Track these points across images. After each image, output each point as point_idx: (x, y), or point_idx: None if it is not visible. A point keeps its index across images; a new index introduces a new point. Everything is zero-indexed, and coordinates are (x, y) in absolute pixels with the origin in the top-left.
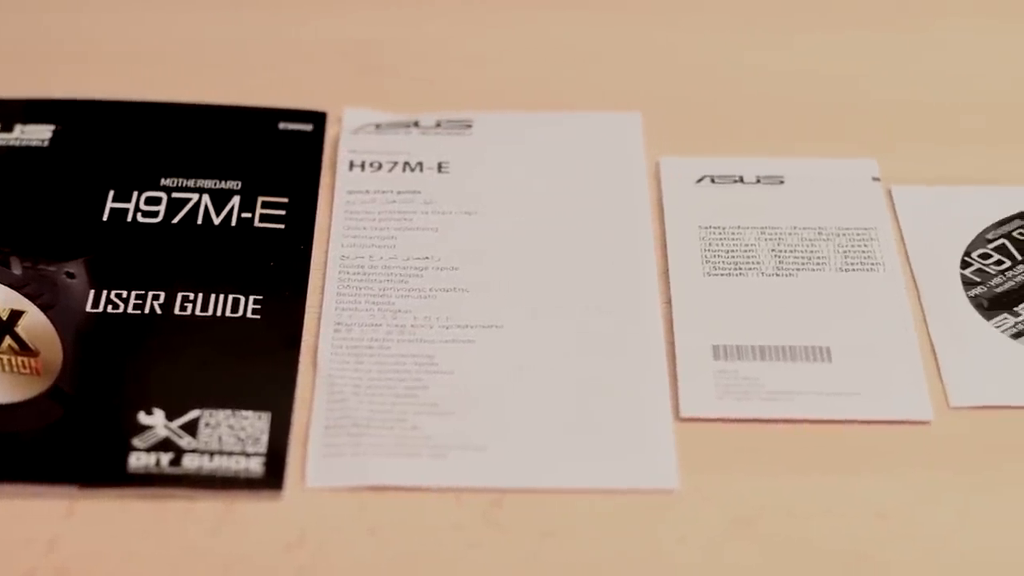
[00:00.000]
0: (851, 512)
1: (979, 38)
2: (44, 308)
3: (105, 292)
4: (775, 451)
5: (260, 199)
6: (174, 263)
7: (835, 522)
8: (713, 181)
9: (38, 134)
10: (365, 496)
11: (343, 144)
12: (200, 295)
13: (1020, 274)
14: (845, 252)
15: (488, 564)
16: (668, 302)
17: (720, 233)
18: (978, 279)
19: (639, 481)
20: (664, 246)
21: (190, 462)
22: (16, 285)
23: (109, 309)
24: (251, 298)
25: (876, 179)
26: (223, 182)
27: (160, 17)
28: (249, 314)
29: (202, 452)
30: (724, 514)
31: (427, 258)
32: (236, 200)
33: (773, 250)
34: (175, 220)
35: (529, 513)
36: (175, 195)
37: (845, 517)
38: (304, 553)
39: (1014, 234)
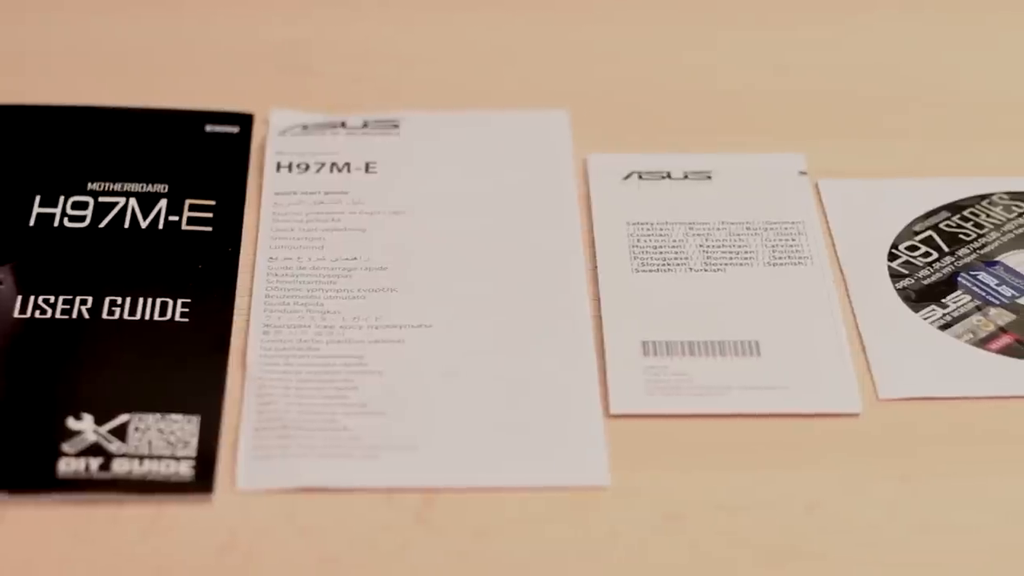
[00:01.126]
0: (781, 505)
1: (903, 30)
2: None
3: (33, 297)
4: (705, 446)
5: (187, 202)
6: (102, 267)
7: (766, 515)
8: (641, 177)
9: None
10: (296, 498)
11: (270, 146)
12: (128, 299)
13: (947, 266)
14: (773, 246)
15: (420, 564)
16: (597, 299)
17: (648, 229)
18: (906, 271)
19: (570, 479)
20: (592, 243)
21: (120, 467)
22: None
23: (37, 315)
24: (179, 301)
25: (803, 173)
26: (150, 185)
27: (84, 21)
28: (178, 317)
29: (132, 456)
30: (655, 510)
31: (355, 259)
32: (163, 203)
33: (701, 245)
34: (102, 224)
35: (460, 512)
36: (102, 199)
37: (776, 510)
38: (235, 556)
39: (941, 226)
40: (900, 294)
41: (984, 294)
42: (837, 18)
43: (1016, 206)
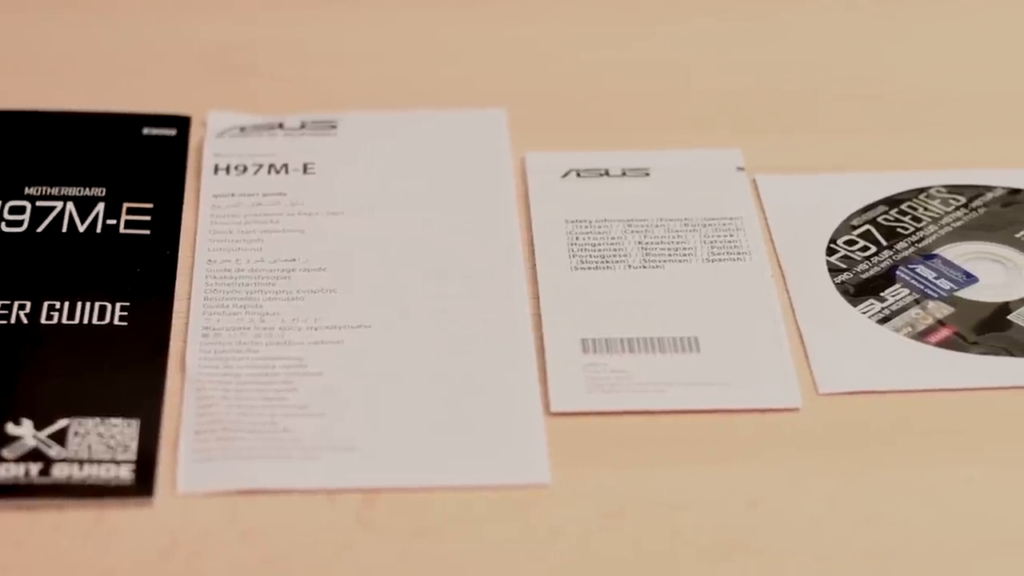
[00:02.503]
0: (723, 501)
1: (838, 25)
2: None
3: None
4: (646, 443)
5: (125, 205)
6: (40, 272)
7: (707, 511)
8: (579, 175)
9: None
10: (237, 500)
11: (207, 148)
12: (66, 303)
13: (885, 260)
14: (711, 242)
15: (362, 564)
16: (536, 297)
17: (587, 227)
18: (844, 266)
19: (511, 477)
20: (531, 241)
21: (59, 472)
22: None
23: None
24: (118, 305)
25: (741, 169)
26: (87, 189)
27: (19, 25)
28: (116, 321)
29: (71, 461)
30: (596, 507)
31: (294, 260)
32: (101, 207)
33: (640, 242)
34: (40, 229)
35: (402, 512)
36: (39, 203)
37: (717, 506)
38: (177, 559)
39: (879, 220)
40: (838, 288)
41: (922, 287)
42: (772, 13)
43: (954, 199)
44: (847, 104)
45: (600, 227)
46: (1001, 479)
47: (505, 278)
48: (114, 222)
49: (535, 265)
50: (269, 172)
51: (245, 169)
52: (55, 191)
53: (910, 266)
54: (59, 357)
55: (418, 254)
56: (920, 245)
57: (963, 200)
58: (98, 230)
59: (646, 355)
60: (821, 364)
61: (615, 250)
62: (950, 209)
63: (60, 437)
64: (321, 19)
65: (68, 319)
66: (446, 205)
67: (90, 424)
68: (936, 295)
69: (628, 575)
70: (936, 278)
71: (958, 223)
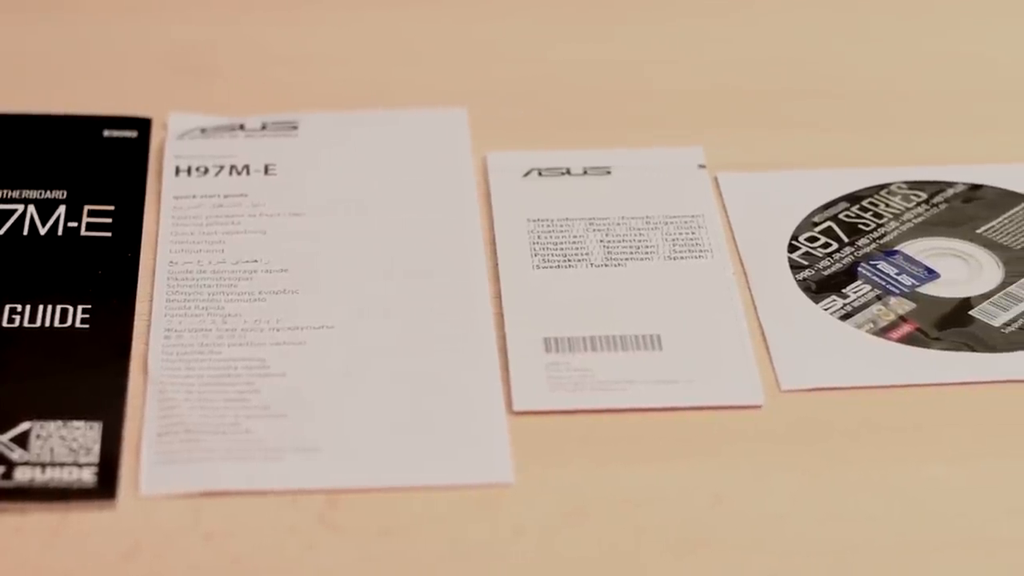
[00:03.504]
0: (686, 498)
1: (798, 22)
2: None
3: None
4: (609, 441)
5: (86, 208)
6: (0, 275)
7: (671, 508)
8: (540, 174)
9: None
10: (200, 502)
11: (169, 149)
12: (28, 306)
13: (847, 256)
14: (673, 240)
15: (325, 565)
16: (498, 296)
17: (548, 226)
18: (806, 262)
19: (474, 476)
20: (493, 241)
21: (22, 475)
22: None
23: None
24: (80, 308)
25: (702, 166)
26: (48, 192)
27: None
28: (78, 324)
29: (34, 464)
30: (560, 505)
31: (256, 261)
32: (62, 210)
33: (601, 241)
34: (0, 232)
35: (365, 513)
36: (0, 207)
37: (681, 503)
38: (140, 561)
39: (840, 217)
40: (800, 285)
41: (884, 283)
42: (732, 11)
43: (915, 195)
44: (808, 101)
45: (562, 226)
46: (963, 474)
47: (467, 277)
48: (75, 225)
49: (497, 264)
50: (230, 173)
51: (206, 170)
52: (16, 194)
53: (872, 262)
54: (21, 360)
55: (380, 254)
56: (882, 241)
57: (924, 196)
58: (59, 233)
59: (608, 353)
60: (783, 361)
61: (577, 249)
62: (911, 205)
63: (22, 440)
64: (281, 19)
65: (30, 322)
66: (407, 205)
67: (52, 427)
68: (898, 291)
69: (592, 573)
70: (898, 274)
71: (919, 219)
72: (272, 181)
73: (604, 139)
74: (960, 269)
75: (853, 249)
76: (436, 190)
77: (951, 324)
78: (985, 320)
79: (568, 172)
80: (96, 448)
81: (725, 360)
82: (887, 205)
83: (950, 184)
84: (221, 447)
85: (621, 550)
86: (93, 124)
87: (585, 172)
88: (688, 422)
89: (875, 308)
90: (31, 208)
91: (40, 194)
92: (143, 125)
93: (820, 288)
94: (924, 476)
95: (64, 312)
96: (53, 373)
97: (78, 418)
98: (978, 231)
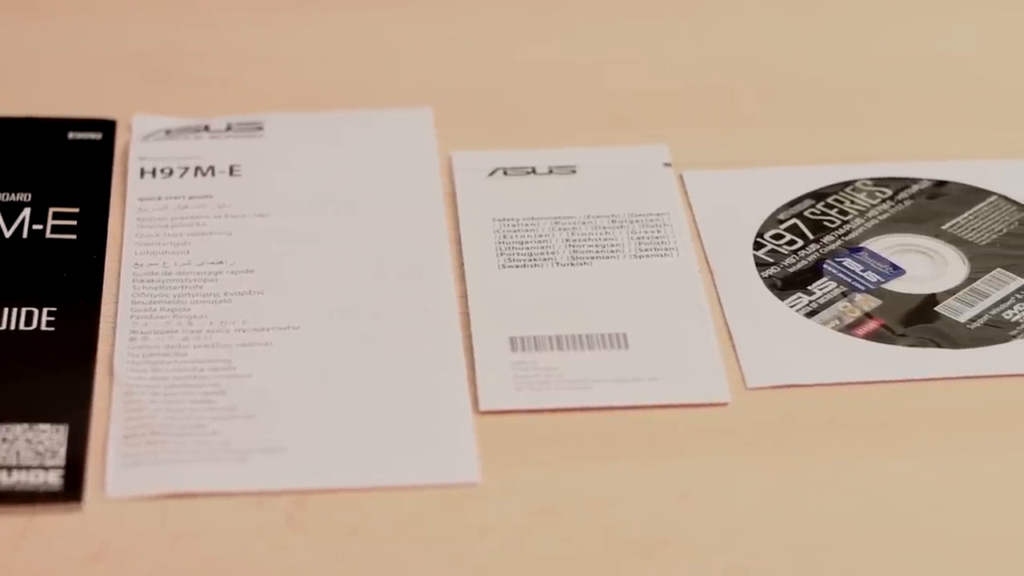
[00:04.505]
0: (653, 496)
1: (762, 20)
2: None
3: None
4: (576, 439)
5: (51, 210)
6: None
7: (637, 507)
8: (506, 173)
9: None
10: (166, 504)
11: (133, 151)
12: None
13: (813, 253)
14: (639, 239)
15: (292, 566)
16: (464, 296)
17: (514, 225)
18: (771, 260)
19: (440, 476)
20: (458, 240)
21: None
22: None
23: None
24: (45, 310)
25: (667, 165)
26: (13, 194)
27: None
28: (43, 327)
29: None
30: (527, 504)
31: (221, 262)
32: (27, 212)
33: (567, 240)
34: None
35: (332, 513)
36: None
37: (647, 501)
38: (106, 564)
39: (805, 214)
40: (766, 283)
41: (850, 280)
42: (696, 9)
43: (880, 192)
44: (773, 99)
45: (527, 225)
46: (929, 470)
47: (433, 277)
48: (40, 227)
49: (463, 264)
50: (195, 175)
51: (171, 172)
52: None
53: (837, 259)
54: None
55: (345, 254)
56: (847, 238)
57: (889, 193)
58: (24, 236)
59: (575, 352)
60: (749, 358)
61: (543, 248)
62: (876, 202)
63: None
64: (245, 20)
65: None
66: (373, 205)
67: (18, 430)
68: (863, 288)
69: (560, 572)
70: (863, 271)
71: (884, 216)
72: (237, 182)
73: (569, 138)
74: (925, 265)
75: (818, 246)
76: (401, 190)
77: (917, 320)
78: (951, 316)
79: (533, 171)
80: (62, 451)
81: (691, 358)
82: (852, 202)
83: (915, 181)
84: (187, 449)
85: (588, 549)
86: (57, 126)
87: (550, 171)
88: (654, 420)
89: (841, 305)
90: None
91: (5, 196)
92: (108, 127)
93: (786, 285)
94: (890, 473)
95: (29, 315)
96: (18, 376)
97: (44, 421)
98: (943, 227)
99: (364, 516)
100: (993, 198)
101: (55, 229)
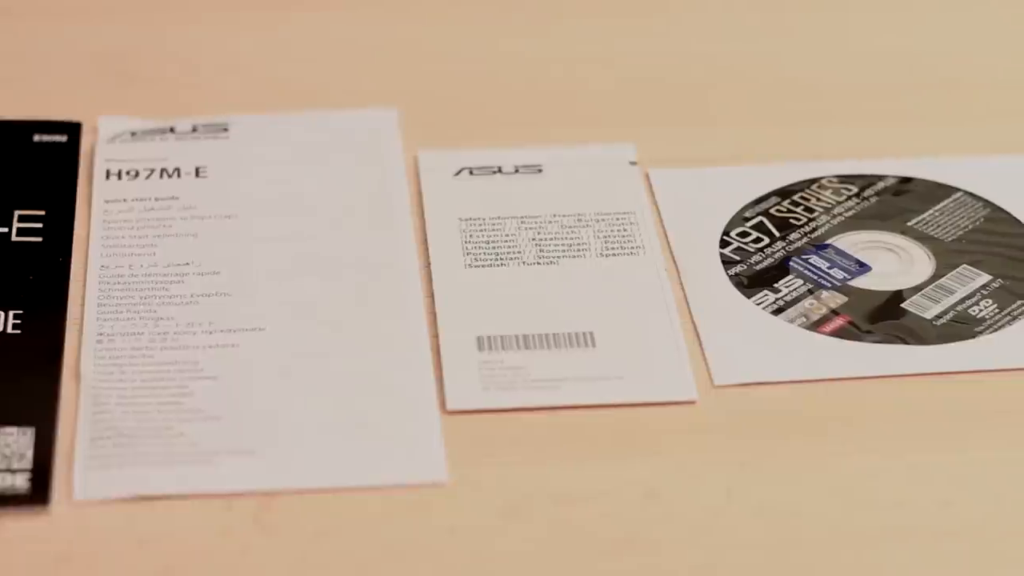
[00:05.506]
0: (621, 495)
1: (726, 18)
2: None
3: None
4: (543, 439)
5: (17, 213)
6: None
7: (605, 505)
8: (472, 173)
9: None
10: (134, 507)
11: (99, 153)
12: None
13: (779, 251)
14: (605, 237)
15: (260, 567)
16: (431, 296)
17: (480, 225)
18: (737, 258)
19: (408, 476)
20: (425, 240)
21: None
22: None
23: None
24: (11, 313)
25: (633, 163)
26: None
27: None
28: (10, 329)
29: None
30: (495, 504)
31: (188, 264)
32: None
33: (534, 239)
34: None
35: (300, 515)
36: None
37: (615, 500)
38: (74, 567)
39: (771, 211)
40: (732, 280)
41: (816, 277)
42: (662, 7)
43: (845, 189)
44: (738, 97)
45: (494, 224)
46: (896, 466)
47: (399, 277)
48: (6, 230)
49: (429, 264)
50: (161, 176)
51: (137, 174)
52: None
53: (803, 256)
54: None
55: (312, 255)
56: (813, 235)
57: (855, 190)
58: None
59: (542, 351)
60: (716, 356)
61: (509, 247)
62: (842, 199)
63: None
64: (211, 21)
65: None
66: (339, 205)
67: None
68: (829, 285)
69: (528, 571)
70: (829, 268)
71: (850, 213)
72: (203, 183)
73: (535, 137)
74: (891, 262)
75: (785, 244)
76: (368, 190)
77: (883, 317)
78: (917, 313)
79: (499, 171)
80: (29, 454)
81: (658, 356)
82: (818, 199)
83: (881, 177)
84: (155, 451)
85: (556, 548)
86: (23, 129)
87: (516, 170)
88: (622, 419)
89: (807, 302)
90: None
91: None
92: (73, 129)
93: (752, 283)
94: (857, 469)
95: None
96: None
97: (10, 424)
98: (909, 224)
99: (332, 517)
100: (958, 194)
101: (21, 232)
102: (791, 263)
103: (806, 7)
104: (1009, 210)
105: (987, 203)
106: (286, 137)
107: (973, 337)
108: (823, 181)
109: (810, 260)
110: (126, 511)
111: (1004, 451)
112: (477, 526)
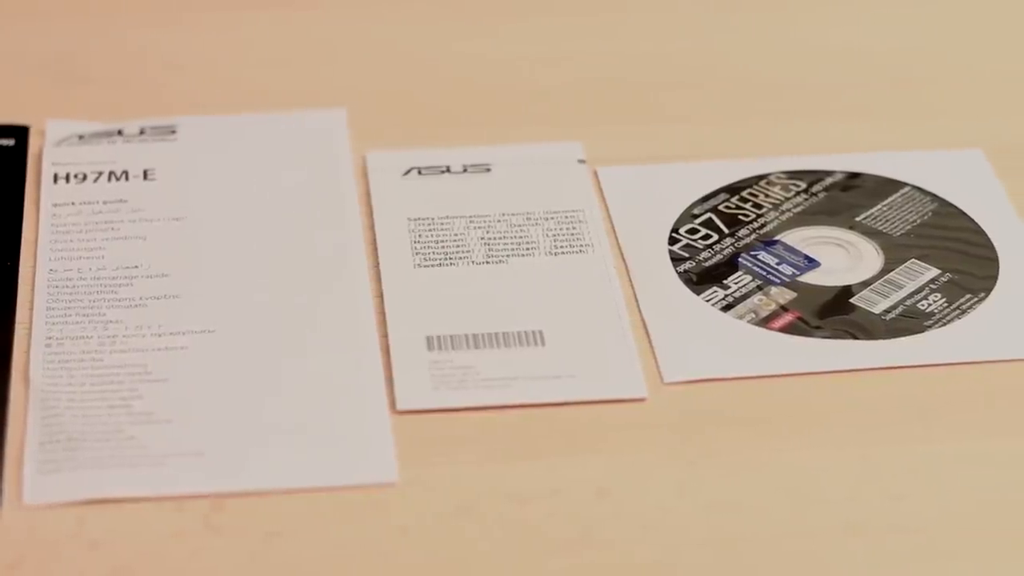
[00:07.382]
0: (572, 493)
1: (672, 15)
2: None
3: None
4: (494, 438)
5: None
6: None
7: (557, 504)
8: (420, 173)
9: None
10: (84, 510)
11: (46, 157)
12: None
13: (728, 247)
14: (554, 236)
15: (212, 569)
16: (380, 296)
17: (429, 224)
18: (686, 254)
19: (358, 477)
20: (374, 241)
21: None
22: None
23: None
24: None
25: (582, 161)
26: None
27: None
28: None
29: None
30: (446, 504)
31: (136, 267)
32: None
33: (482, 238)
34: None
35: (251, 516)
36: None
37: (566, 498)
38: (24, 572)
39: (720, 208)
40: (681, 277)
41: (765, 273)
42: (608, 7)
43: (794, 185)
44: (686, 94)
45: (443, 224)
46: (846, 462)
47: (348, 278)
48: None
49: (378, 264)
50: (109, 179)
51: (85, 177)
52: None
53: (752, 253)
54: None
55: (261, 257)
56: (762, 231)
57: (803, 185)
58: None
59: (491, 350)
60: (666, 353)
61: (458, 247)
62: (790, 195)
63: None
64: (157, 23)
65: None
66: (288, 207)
67: None
68: (778, 281)
69: (480, 570)
70: (778, 264)
71: (799, 208)
72: (151, 186)
73: (483, 136)
74: (840, 257)
75: (733, 240)
76: (316, 191)
77: (832, 312)
78: (866, 307)
79: (448, 170)
80: None
81: (608, 354)
82: (766, 195)
83: (828, 173)
84: (105, 454)
85: (507, 547)
86: None
87: (465, 170)
88: (572, 417)
89: (756, 298)
90: None
91: None
92: (20, 133)
93: (701, 280)
94: (808, 464)
95: None
96: None
97: None
98: (857, 219)
99: (283, 518)
100: (906, 189)
101: None
102: (740, 259)
103: (753, 4)
104: (957, 204)
105: (935, 197)
106: (234, 139)
107: (922, 331)
108: (771, 177)
109: (759, 256)
110: (77, 514)
111: (955, 444)
112: (429, 526)
